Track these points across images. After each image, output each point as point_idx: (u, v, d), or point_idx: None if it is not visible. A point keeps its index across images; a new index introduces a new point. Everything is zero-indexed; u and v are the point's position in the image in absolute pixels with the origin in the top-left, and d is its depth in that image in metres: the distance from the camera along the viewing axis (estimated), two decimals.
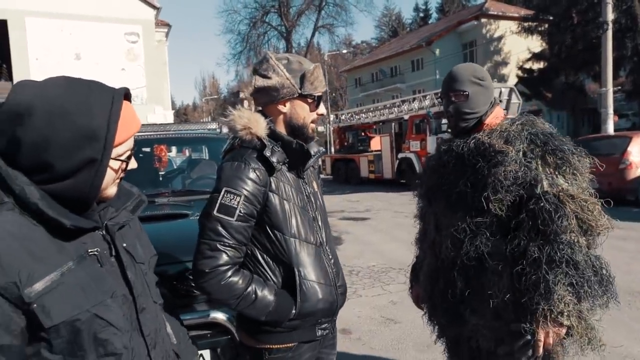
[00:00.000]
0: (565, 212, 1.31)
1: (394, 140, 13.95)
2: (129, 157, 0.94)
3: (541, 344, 1.34)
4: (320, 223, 1.46)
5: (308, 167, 1.47)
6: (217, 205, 1.27)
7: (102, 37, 14.46)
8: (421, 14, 50.46)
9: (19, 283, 0.77)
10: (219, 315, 2.20)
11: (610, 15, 13.39)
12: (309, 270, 1.36)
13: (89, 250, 0.89)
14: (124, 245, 0.98)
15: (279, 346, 1.36)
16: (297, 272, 1.33)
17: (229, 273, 1.27)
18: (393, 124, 14.29)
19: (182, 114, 54.98)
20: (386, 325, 3.72)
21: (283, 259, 1.35)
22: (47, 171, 0.83)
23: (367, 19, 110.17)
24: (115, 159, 0.89)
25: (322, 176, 1.73)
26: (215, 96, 55.28)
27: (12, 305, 0.77)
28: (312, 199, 1.46)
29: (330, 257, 1.46)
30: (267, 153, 1.31)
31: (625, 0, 18.37)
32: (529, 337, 1.39)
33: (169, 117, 15.12)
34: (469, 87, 1.51)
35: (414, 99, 14.09)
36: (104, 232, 0.95)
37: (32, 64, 13.73)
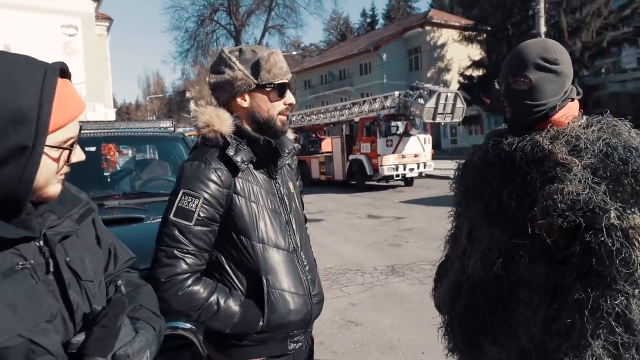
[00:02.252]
0: (633, 255, 1.00)
1: (345, 142, 14.09)
2: (72, 146, 0.79)
3: None
4: (295, 227, 1.36)
5: (281, 166, 1.37)
6: (175, 208, 1.18)
7: (35, 29, 13.38)
8: (368, 20, 51.65)
9: None
10: (181, 326, 2.06)
11: (543, 28, 14.40)
12: (279, 279, 1.26)
13: (20, 264, 0.73)
14: (67, 259, 0.82)
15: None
16: (265, 281, 1.24)
17: (189, 282, 1.18)
18: (344, 126, 14.45)
19: (124, 113, 52.33)
20: (348, 328, 3.70)
21: (250, 267, 1.25)
22: None
23: (317, 22, 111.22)
24: (53, 147, 0.75)
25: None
26: (161, 95, 53.17)
27: None
28: (287, 201, 1.36)
29: (306, 264, 1.36)
30: (231, 152, 1.22)
31: (553, 14, 19.88)
32: None
33: (110, 115, 14.28)
34: (534, 72, 1.18)
35: (364, 102, 14.33)
36: (41, 243, 0.78)
37: None
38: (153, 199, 3.00)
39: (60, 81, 0.75)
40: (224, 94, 1.31)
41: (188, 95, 52.25)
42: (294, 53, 31.46)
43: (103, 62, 15.85)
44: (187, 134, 5.02)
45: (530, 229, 1.10)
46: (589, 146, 1.10)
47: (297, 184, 1.53)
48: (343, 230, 7.90)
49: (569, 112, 1.23)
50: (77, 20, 14.26)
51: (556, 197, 1.06)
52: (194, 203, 1.17)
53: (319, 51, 49.74)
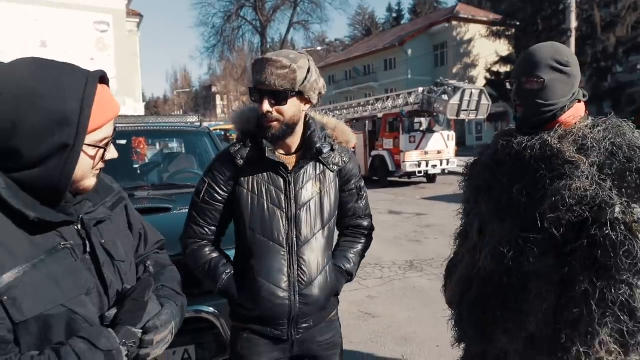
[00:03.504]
0: (636, 247, 1.05)
1: (368, 138, 14.10)
2: (107, 145, 0.88)
3: None
4: (299, 224, 1.42)
5: (300, 167, 1.43)
6: (195, 189, 1.50)
7: (70, 25, 13.88)
8: (394, 15, 51.06)
9: None
10: (204, 309, 2.19)
11: (574, 23, 13.98)
12: (260, 265, 1.41)
13: (62, 244, 0.84)
14: (102, 241, 0.92)
15: (237, 326, 1.51)
16: (248, 264, 1.43)
17: (195, 246, 1.48)
18: (367, 121, 14.45)
19: (152, 107, 53.57)
20: (364, 319, 3.79)
21: (243, 248, 1.46)
22: (14, 158, 0.77)
23: (341, 17, 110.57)
24: (90, 145, 0.84)
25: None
26: (187, 89, 54.13)
27: None
28: (302, 199, 1.43)
29: (305, 261, 1.42)
30: (232, 149, 1.44)
31: (586, 9, 19.24)
32: None
33: (139, 109, 14.71)
34: (547, 73, 1.24)
35: (387, 98, 14.28)
36: (79, 226, 0.89)
37: None
38: (180, 190, 3.15)
39: (99, 87, 0.85)
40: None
41: (214, 89, 52.96)
42: (319, 48, 31.50)
43: (133, 57, 16.29)
44: (212, 129, 5.17)
45: (539, 223, 1.15)
46: (595, 145, 1.16)
47: (351, 185, 1.56)
48: None
49: (576, 113, 1.29)
50: (108, 16, 14.70)
51: (564, 192, 1.12)
52: (202, 186, 1.47)
53: (344, 46, 49.55)
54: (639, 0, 19.45)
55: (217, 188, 1.44)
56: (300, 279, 1.42)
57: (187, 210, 2.66)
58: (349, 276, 1.61)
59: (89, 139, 0.83)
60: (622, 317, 1.08)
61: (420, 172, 12.85)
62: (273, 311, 1.42)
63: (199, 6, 45.33)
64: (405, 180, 13.74)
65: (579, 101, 1.31)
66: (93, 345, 0.79)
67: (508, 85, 1.37)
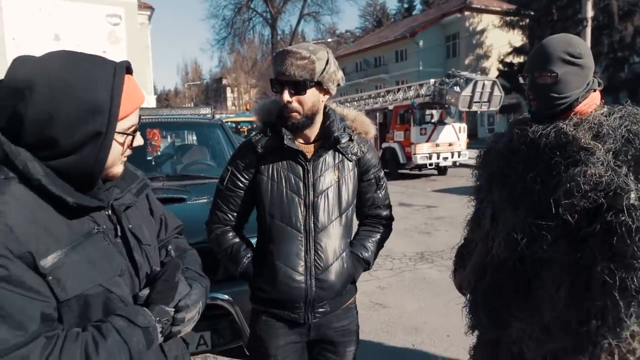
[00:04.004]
0: None
1: (378, 130, 14.06)
2: (134, 132, 0.92)
3: None
4: (317, 211, 1.46)
5: (319, 155, 1.47)
6: (220, 176, 1.57)
7: (82, 18, 14.01)
8: (405, 5, 50.41)
9: (34, 254, 0.76)
10: (220, 297, 2.25)
11: (590, 12, 13.71)
12: (277, 250, 1.47)
13: (96, 228, 0.88)
14: (130, 226, 0.97)
15: (256, 309, 1.58)
16: (267, 248, 1.50)
17: (218, 231, 1.56)
18: (377, 113, 14.39)
19: (164, 99, 53.95)
20: (375, 310, 3.83)
21: (262, 234, 1.54)
22: (52, 147, 0.81)
23: (352, 8, 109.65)
24: (120, 132, 0.88)
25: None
26: (198, 82, 54.37)
27: (32, 271, 0.76)
28: (320, 187, 1.47)
29: (321, 247, 1.46)
30: (253, 139, 1.51)
31: None
32: None
33: (151, 101, 14.84)
34: (560, 66, 1.24)
35: (398, 90, 14.19)
36: (109, 212, 0.94)
37: (9, 44, 13.21)
38: (194, 181, 3.21)
39: (126, 77, 0.89)
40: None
41: (224, 82, 53.10)
42: (329, 40, 31.32)
43: (144, 50, 16.39)
44: (224, 120, 5.20)
45: (554, 210, 1.16)
46: (611, 132, 1.16)
47: (370, 175, 1.60)
48: None
49: (591, 102, 1.30)
50: (120, 9, 14.79)
51: (579, 178, 1.12)
52: (226, 174, 1.54)
53: (354, 38, 49.21)
54: None
55: (239, 175, 1.51)
56: (316, 264, 1.46)
57: (201, 201, 2.73)
58: (366, 264, 1.64)
59: (119, 126, 0.87)
60: None
61: (431, 164, 12.79)
62: (290, 294, 1.46)
63: None
64: (416, 172, 13.70)
65: (594, 90, 1.31)
66: (131, 322, 0.85)
67: (521, 80, 1.38)
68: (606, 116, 1.22)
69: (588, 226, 1.14)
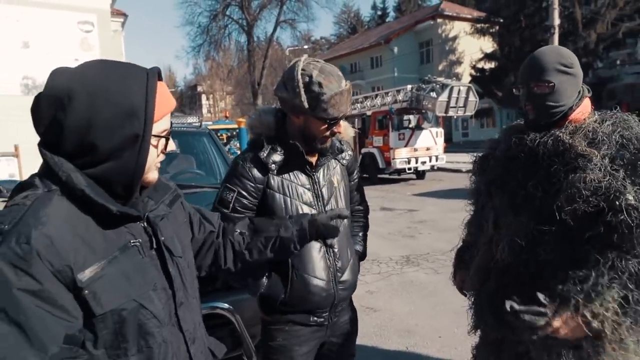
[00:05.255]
0: None
1: (357, 135, 14.19)
2: (167, 135, 0.93)
3: (552, 328, 1.19)
4: None
5: (321, 165, 1.52)
6: (218, 198, 1.48)
7: (53, 25, 13.62)
8: (379, 13, 51.26)
9: (73, 267, 0.76)
10: (220, 306, 2.24)
11: (557, 20, 14.27)
12: (302, 263, 1.45)
13: (131, 241, 0.88)
14: (162, 239, 0.96)
15: (276, 320, 1.54)
16: (290, 263, 1.45)
17: None
18: (356, 119, 14.54)
19: None
20: (366, 313, 3.86)
21: None
22: (91, 153, 0.82)
23: (327, 16, 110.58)
24: (155, 135, 0.89)
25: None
26: (172, 89, 53.55)
27: (67, 288, 0.76)
28: (326, 194, 1.52)
29: (337, 252, 1.51)
30: (262, 155, 1.44)
31: (567, 6, 19.64)
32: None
33: None
34: (555, 76, 1.29)
35: (376, 96, 14.39)
36: (145, 224, 0.94)
37: None
38: (185, 190, 3.18)
39: (157, 82, 0.90)
40: (285, 107, 1.46)
41: (199, 89, 52.55)
42: (305, 47, 31.43)
43: (118, 57, 16.08)
44: None
45: (557, 215, 1.21)
46: (605, 138, 1.23)
47: (354, 176, 1.70)
48: None
49: (584, 109, 1.36)
50: (92, 16, 14.44)
51: (579, 184, 1.18)
52: (230, 195, 1.44)
53: (329, 44, 49.63)
54: None
55: (247, 196, 1.44)
56: (338, 269, 1.51)
57: None
58: (364, 256, 1.81)
59: (154, 129, 0.88)
60: (629, 285, 1.14)
61: (409, 168, 12.99)
62: (321, 303, 1.49)
63: (184, 5, 44.85)
64: (395, 177, 13.88)
65: (587, 96, 1.38)
66: None
67: (515, 91, 1.43)
68: (599, 123, 1.29)
69: (589, 229, 1.19)
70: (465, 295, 1.68)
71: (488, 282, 1.44)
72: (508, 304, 1.17)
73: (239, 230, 1.24)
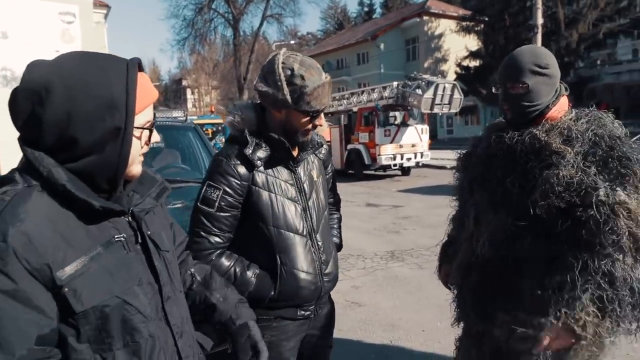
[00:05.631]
0: (617, 225, 1.16)
1: (343, 131, 14.23)
2: (151, 127, 0.91)
3: (542, 344, 1.24)
4: (312, 212, 1.52)
5: (301, 159, 1.52)
6: (201, 197, 1.42)
7: (33, 16, 13.31)
8: (366, 9, 51.39)
9: (51, 265, 0.75)
10: None
11: (540, 20, 14.50)
12: (290, 258, 1.45)
13: (116, 237, 0.87)
14: (149, 233, 0.95)
15: (262, 317, 1.47)
16: (278, 260, 1.44)
17: (212, 257, 1.41)
18: (342, 115, 14.56)
19: None
20: (351, 308, 3.90)
21: (266, 246, 1.45)
22: (72, 147, 0.80)
23: (314, 11, 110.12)
24: (138, 127, 0.87)
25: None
26: (157, 83, 52.81)
27: (44, 287, 0.75)
28: (307, 189, 1.52)
29: (320, 245, 1.52)
30: (247, 151, 1.40)
31: (550, 5, 19.97)
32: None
33: None
34: (530, 78, 1.32)
35: (362, 92, 14.43)
36: (129, 218, 0.92)
37: None
38: (171, 185, 3.15)
39: (138, 73, 0.88)
40: (265, 101, 1.43)
41: (184, 83, 51.92)
42: (292, 42, 31.34)
43: (101, 49, 15.65)
44: None
45: (532, 211, 1.25)
46: (579, 136, 1.27)
47: (329, 169, 1.72)
48: (343, 217, 8.07)
49: (561, 108, 1.39)
50: (74, 7, 14.15)
51: (553, 180, 1.22)
52: (215, 193, 1.39)
53: (316, 40, 49.52)
54: None
55: (233, 194, 1.41)
56: (322, 261, 1.52)
57: (179, 205, 2.69)
58: (340, 247, 1.83)
59: (136, 121, 0.86)
60: (602, 285, 1.18)
61: (395, 165, 13.08)
62: (310, 297, 1.49)
63: None
64: (381, 173, 13.97)
65: (562, 95, 1.42)
66: None
67: (494, 90, 1.48)
68: (574, 121, 1.33)
69: (563, 224, 1.23)
70: (450, 289, 1.72)
71: (469, 277, 1.49)
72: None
73: (192, 271, 1.20)
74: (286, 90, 1.35)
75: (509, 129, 1.41)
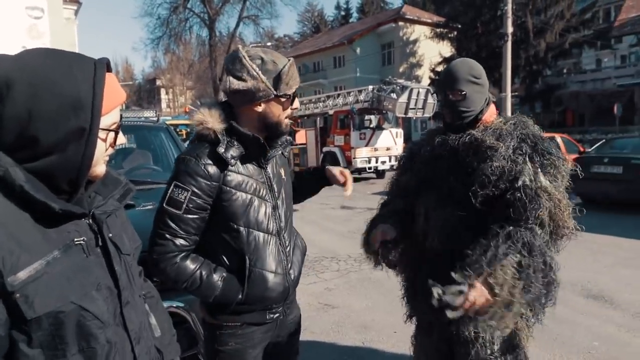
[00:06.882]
0: (540, 204, 1.36)
1: (319, 134, 14.28)
2: (117, 129, 0.89)
3: (470, 303, 1.27)
4: (280, 211, 1.50)
5: (271, 157, 1.49)
6: (167, 198, 1.35)
7: None
8: (342, 13, 51.76)
9: (2, 270, 0.72)
10: (175, 304, 2.20)
11: (510, 28, 14.96)
12: (260, 259, 1.42)
13: (75, 240, 0.84)
14: (110, 235, 0.92)
15: (227, 324, 1.45)
16: (247, 260, 1.40)
17: (176, 260, 1.35)
18: (318, 118, 14.62)
19: None
20: (324, 310, 3.91)
21: (235, 247, 1.41)
22: (32, 146, 0.78)
23: (291, 14, 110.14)
24: (103, 129, 0.85)
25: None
26: (130, 82, 51.55)
27: None
28: (276, 187, 1.50)
29: (287, 245, 1.50)
30: (220, 149, 1.34)
31: (520, 15, 20.65)
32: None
33: None
34: (467, 86, 1.51)
35: (338, 95, 14.53)
36: (90, 220, 0.89)
37: None
38: (141, 186, 3.09)
39: (106, 73, 0.86)
40: (242, 99, 1.37)
41: (158, 83, 50.93)
42: (268, 44, 31.23)
43: (71, 47, 15.31)
44: None
45: (473, 201, 1.42)
46: (509, 134, 1.49)
47: (289, 169, 1.69)
48: (317, 220, 8.11)
49: (492, 113, 1.62)
50: (42, 2, 13.68)
51: (488, 171, 1.41)
52: (182, 195, 1.33)
53: (293, 42, 49.55)
54: (565, 9, 21.16)
55: (203, 195, 1.35)
56: (287, 260, 1.49)
57: (149, 207, 2.65)
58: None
59: (102, 122, 0.84)
60: (522, 252, 1.32)
61: (370, 168, 13.22)
62: (278, 298, 1.46)
63: None
64: (356, 175, 14.06)
65: (492, 102, 1.64)
66: None
67: (436, 96, 1.64)
68: (504, 124, 1.55)
69: (497, 209, 1.41)
70: (385, 261, 1.75)
71: (422, 269, 1.61)
72: (435, 291, 1.26)
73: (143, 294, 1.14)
74: (264, 78, 1.33)
75: (449, 133, 1.58)
